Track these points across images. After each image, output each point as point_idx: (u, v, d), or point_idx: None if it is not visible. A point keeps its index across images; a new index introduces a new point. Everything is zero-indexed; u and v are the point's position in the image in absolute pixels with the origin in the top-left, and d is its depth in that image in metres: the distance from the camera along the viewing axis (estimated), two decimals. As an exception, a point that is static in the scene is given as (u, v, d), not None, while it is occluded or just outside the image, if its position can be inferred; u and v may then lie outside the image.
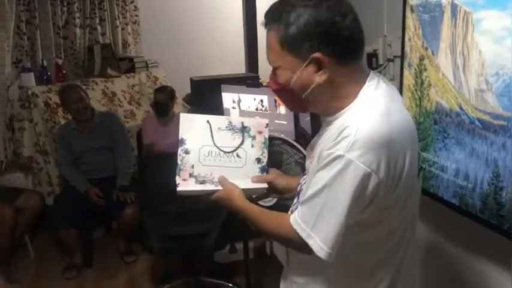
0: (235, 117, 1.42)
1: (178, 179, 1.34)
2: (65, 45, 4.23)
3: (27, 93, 3.73)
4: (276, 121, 2.81)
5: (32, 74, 3.83)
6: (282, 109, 2.87)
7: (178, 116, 4.02)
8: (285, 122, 2.91)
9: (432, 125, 1.73)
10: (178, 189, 1.34)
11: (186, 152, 1.35)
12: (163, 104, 3.57)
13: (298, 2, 1.06)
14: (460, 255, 1.85)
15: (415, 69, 1.79)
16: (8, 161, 3.83)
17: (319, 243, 1.06)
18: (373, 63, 2.31)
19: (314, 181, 1.08)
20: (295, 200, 1.28)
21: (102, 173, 3.46)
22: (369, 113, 1.05)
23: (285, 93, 1.17)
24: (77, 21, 4.22)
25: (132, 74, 4.35)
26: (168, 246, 2.75)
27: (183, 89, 4.35)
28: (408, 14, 1.80)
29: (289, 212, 1.24)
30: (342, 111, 1.12)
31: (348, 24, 1.06)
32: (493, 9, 1.42)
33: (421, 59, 1.75)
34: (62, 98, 3.43)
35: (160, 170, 2.98)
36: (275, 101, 2.80)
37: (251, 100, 2.87)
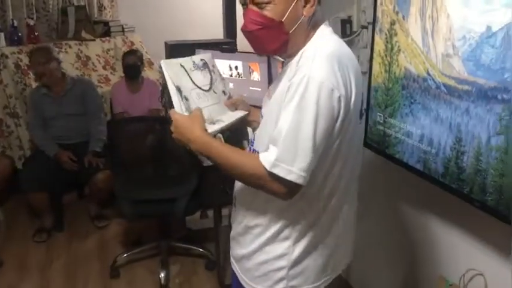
0: (193, 56, 1.41)
1: None
2: (37, 6, 4.10)
3: (-4, 54, 3.62)
4: (251, 88, 2.79)
5: (1, 35, 3.72)
6: (256, 75, 2.84)
7: (148, 81, 4.01)
8: (259, 89, 2.88)
9: (400, 90, 1.72)
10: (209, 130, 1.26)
11: (186, 99, 1.30)
12: (135, 66, 3.52)
13: None
14: (422, 220, 1.88)
15: (386, 34, 1.78)
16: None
17: (299, 172, 1.11)
18: (347, 30, 2.29)
19: (283, 117, 1.12)
20: (251, 137, 1.33)
21: (74, 139, 3.40)
22: (326, 40, 1.22)
23: (271, 30, 1.19)
24: (51, -19, 4.09)
25: (108, 38, 4.26)
26: (139, 210, 2.74)
27: (159, 55, 4.27)
28: (381, -23, 1.78)
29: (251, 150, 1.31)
30: (303, 48, 1.23)
31: None
32: (462, -28, 1.40)
33: (392, 23, 1.74)
34: (31, 59, 3.33)
35: (131, 135, 2.96)
36: (249, 67, 2.77)
37: (226, 66, 2.83)
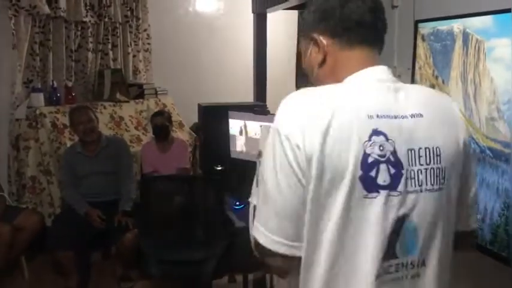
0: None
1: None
2: (76, 69, 4.28)
3: (35, 113, 3.76)
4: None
5: (41, 95, 3.87)
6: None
7: (178, 141, 4.09)
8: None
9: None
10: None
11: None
12: (163, 127, 3.60)
13: None
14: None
15: (425, 98, 1.78)
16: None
17: (262, 230, 0.94)
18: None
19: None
20: None
21: (104, 197, 3.41)
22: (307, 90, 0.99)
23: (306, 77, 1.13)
24: (90, 45, 4.29)
25: (141, 100, 4.39)
26: (166, 271, 2.68)
27: (190, 118, 4.37)
28: (419, 42, 1.81)
29: None
30: None
31: (347, 6, 1.01)
32: (505, 37, 1.41)
33: (431, 87, 1.74)
34: (71, 117, 3.44)
35: (160, 194, 2.96)
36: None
37: (257, 127, 2.86)
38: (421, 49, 1.79)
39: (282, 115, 0.94)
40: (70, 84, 4.14)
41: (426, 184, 0.94)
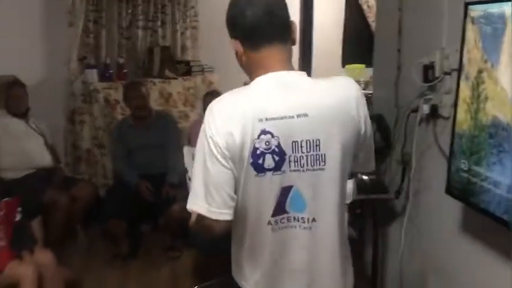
0: None
1: None
2: (127, 46, 4.42)
3: (89, 89, 3.93)
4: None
5: (95, 71, 4.04)
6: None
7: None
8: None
9: (487, 139, 1.69)
10: None
11: None
12: None
13: None
14: (508, 271, 1.80)
15: (473, 82, 1.77)
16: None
17: (200, 203, 1.26)
18: (429, 76, 2.28)
19: None
20: None
21: (153, 170, 3.56)
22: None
23: None
24: (140, 23, 4.41)
25: (189, 76, 4.49)
26: (210, 244, 2.80)
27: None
28: (469, 25, 1.78)
29: None
30: None
31: (245, 14, 1.26)
32: (558, 22, 1.39)
33: (480, 71, 1.73)
34: (125, 92, 3.60)
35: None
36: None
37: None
38: (470, 32, 1.77)
39: (206, 118, 1.26)
40: (122, 61, 4.29)
41: (307, 165, 1.27)
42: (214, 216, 1.25)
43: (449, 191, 1.90)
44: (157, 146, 3.58)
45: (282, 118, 1.23)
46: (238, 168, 1.25)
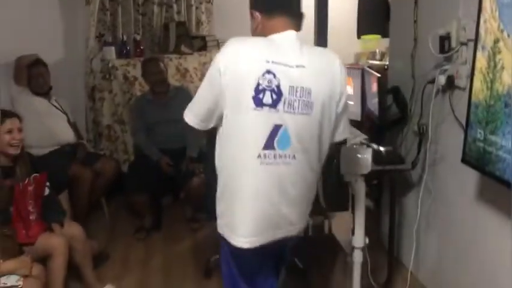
0: None
1: None
2: (143, 22, 4.45)
3: (108, 66, 4.00)
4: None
5: (113, 48, 4.09)
6: (349, 89, 2.91)
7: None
8: (352, 103, 2.95)
9: (503, 108, 1.72)
10: None
11: None
12: None
13: None
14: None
15: (489, 52, 1.78)
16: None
17: (190, 116, 1.66)
18: (446, 47, 2.30)
19: None
20: None
21: (173, 144, 3.62)
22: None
23: None
24: (155, -1, 4.43)
25: (204, 52, 4.51)
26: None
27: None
28: (485, -5, 1.79)
29: None
30: None
31: None
32: None
33: (496, 41, 1.74)
34: (143, 68, 3.66)
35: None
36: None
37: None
38: (487, 2, 1.77)
39: (219, 52, 1.53)
40: (138, 37, 4.33)
41: (298, 109, 1.51)
42: (200, 128, 1.65)
43: (466, 160, 1.94)
44: (177, 121, 3.60)
45: (284, 65, 1.50)
46: (233, 99, 1.49)
